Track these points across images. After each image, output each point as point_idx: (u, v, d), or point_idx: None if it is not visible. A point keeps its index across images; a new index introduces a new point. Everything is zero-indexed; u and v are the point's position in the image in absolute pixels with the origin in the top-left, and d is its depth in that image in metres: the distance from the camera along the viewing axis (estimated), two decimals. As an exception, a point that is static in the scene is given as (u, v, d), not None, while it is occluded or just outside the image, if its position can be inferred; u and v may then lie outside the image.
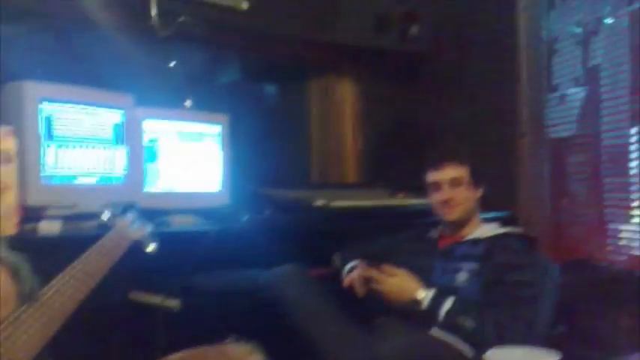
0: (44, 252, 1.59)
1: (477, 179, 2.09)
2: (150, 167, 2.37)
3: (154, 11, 2.47)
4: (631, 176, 2.71)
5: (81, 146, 2.11)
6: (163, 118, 2.43)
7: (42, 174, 2.02)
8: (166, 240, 1.81)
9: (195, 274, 2.05)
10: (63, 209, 2.03)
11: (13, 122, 1.94)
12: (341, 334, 1.91)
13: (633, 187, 2.69)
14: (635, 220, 2.66)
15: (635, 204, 2.68)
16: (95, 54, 2.42)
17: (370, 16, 3.07)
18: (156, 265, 1.86)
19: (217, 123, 2.55)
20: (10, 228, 1.82)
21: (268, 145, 3.07)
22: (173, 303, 1.91)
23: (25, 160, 1.95)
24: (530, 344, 1.82)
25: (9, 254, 1.36)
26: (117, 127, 2.21)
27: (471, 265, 1.97)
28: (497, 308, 1.84)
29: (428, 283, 1.95)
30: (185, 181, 2.46)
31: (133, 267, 1.63)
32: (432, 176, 2.09)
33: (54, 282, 1.38)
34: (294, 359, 1.97)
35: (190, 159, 2.47)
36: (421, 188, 2.19)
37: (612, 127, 2.83)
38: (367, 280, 2.02)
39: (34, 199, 1.98)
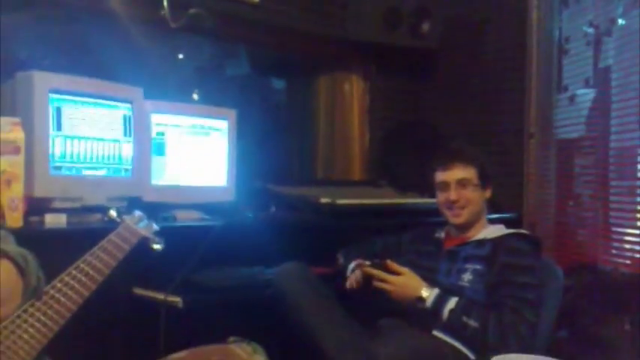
0: (50, 245, 1.60)
1: (484, 180, 2.08)
2: (157, 160, 2.37)
3: (165, 2, 2.47)
4: (638, 179, 2.70)
5: (89, 138, 2.11)
6: (171, 111, 2.42)
7: (50, 165, 2.02)
8: (171, 234, 1.82)
9: (199, 269, 2.05)
10: (70, 201, 2.04)
11: (22, 113, 1.95)
12: (342, 333, 1.91)
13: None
14: (641, 224, 2.65)
15: (642, 208, 2.66)
16: (105, 45, 2.42)
17: (381, 12, 3.05)
18: (160, 260, 1.86)
19: (225, 118, 2.55)
20: (17, 220, 1.83)
21: (275, 141, 3.07)
22: (176, 299, 1.92)
23: (34, 151, 1.95)
24: (533, 347, 1.83)
25: (15, 248, 1.37)
26: (125, 120, 2.22)
27: (476, 266, 1.96)
28: (501, 309, 1.84)
29: (432, 283, 1.95)
30: (192, 175, 2.46)
31: (136, 262, 1.63)
32: (440, 176, 2.09)
33: (61, 277, 1.39)
34: (295, 359, 1.98)
35: (197, 153, 2.48)
36: (428, 187, 2.18)
37: (621, 130, 2.81)
38: (370, 279, 2.01)
39: (41, 191, 1.98)
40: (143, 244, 1.69)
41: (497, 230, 2.09)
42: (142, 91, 2.27)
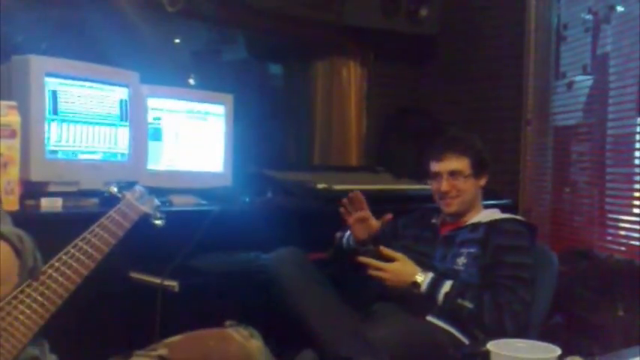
0: (46, 229, 1.59)
1: (478, 170, 2.08)
2: (153, 145, 2.37)
3: (163, -14, 2.46)
4: (635, 166, 2.71)
5: (85, 122, 2.11)
6: (168, 96, 2.42)
7: (46, 149, 2.02)
8: (167, 219, 1.80)
9: (196, 254, 2.06)
10: (66, 185, 2.04)
11: (18, 96, 1.95)
12: (336, 318, 1.92)
13: (637, 178, 2.68)
14: (636, 210, 2.66)
15: (638, 194, 2.67)
16: (102, 29, 2.41)
17: (379, -3, 3.03)
18: (156, 244, 1.87)
19: (222, 102, 2.55)
20: (13, 203, 1.83)
21: (272, 126, 3.06)
22: (173, 283, 1.92)
23: (29, 135, 1.94)
24: (527, 326, 1.85)
25: (11, 228, 1.36)
26: (122, 104, 2.21)
27: (471, 249, 1.97)
28: (495, 289, 1.85)
29: (428, 268, 1.96)
30: (188, 160, 2.46)
31: (133, 246, 1.63)
32: (433, 166, 2.10)
33: (59, 255, 1.38)
34: (292, 343, 2.00)
35: (194, 138, 2.47)
36: (425, 174, 2.19)
37: (618, 117, 2.81)
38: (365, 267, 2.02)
39: (37, 175, 1.98)
40: (144, 221, 1.67)
41: (491, 214, 2.09)
42: (139, 76, 2.26)
